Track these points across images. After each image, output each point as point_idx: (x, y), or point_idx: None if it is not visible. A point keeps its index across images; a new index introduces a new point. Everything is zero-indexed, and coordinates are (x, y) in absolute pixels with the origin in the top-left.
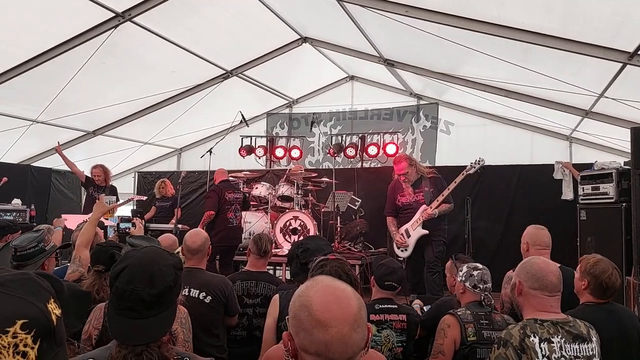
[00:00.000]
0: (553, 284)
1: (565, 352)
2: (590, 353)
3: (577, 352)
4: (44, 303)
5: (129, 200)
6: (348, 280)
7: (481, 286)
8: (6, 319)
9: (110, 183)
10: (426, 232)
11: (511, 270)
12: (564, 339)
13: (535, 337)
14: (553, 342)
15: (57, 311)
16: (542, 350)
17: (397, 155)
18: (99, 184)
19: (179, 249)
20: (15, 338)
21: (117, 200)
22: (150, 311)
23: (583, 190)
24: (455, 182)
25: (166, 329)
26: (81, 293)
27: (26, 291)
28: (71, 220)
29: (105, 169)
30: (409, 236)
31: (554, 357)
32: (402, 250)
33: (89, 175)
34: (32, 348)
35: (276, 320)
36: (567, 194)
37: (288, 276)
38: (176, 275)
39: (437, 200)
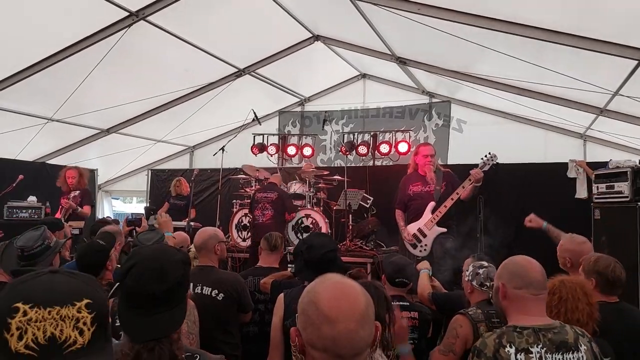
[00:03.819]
0: (538, 281)
1: None
2: None
3: None
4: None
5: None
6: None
7: (488, 284)
8: (75, 293)
9: (86, 187)
10: (444, 229)
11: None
12: (545, 349)
13: (511, 347)
14: (532, 353)
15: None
16: None
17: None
18: (71, 188)
19: (192, 246)
20: (79, 313)
21: (93, 205)
22: (161, 307)
23: (597, 189)
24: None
25: (177, 325)
26: None
27: (93, 283)
28: None
29: (81, 171)
30: (424, 236)
31: None
32: (420, 251)
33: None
34: (89, 329)
35: (282, 319)
36: (581, 192)
37: None
38: (185, 271)
39: (452, 199)
